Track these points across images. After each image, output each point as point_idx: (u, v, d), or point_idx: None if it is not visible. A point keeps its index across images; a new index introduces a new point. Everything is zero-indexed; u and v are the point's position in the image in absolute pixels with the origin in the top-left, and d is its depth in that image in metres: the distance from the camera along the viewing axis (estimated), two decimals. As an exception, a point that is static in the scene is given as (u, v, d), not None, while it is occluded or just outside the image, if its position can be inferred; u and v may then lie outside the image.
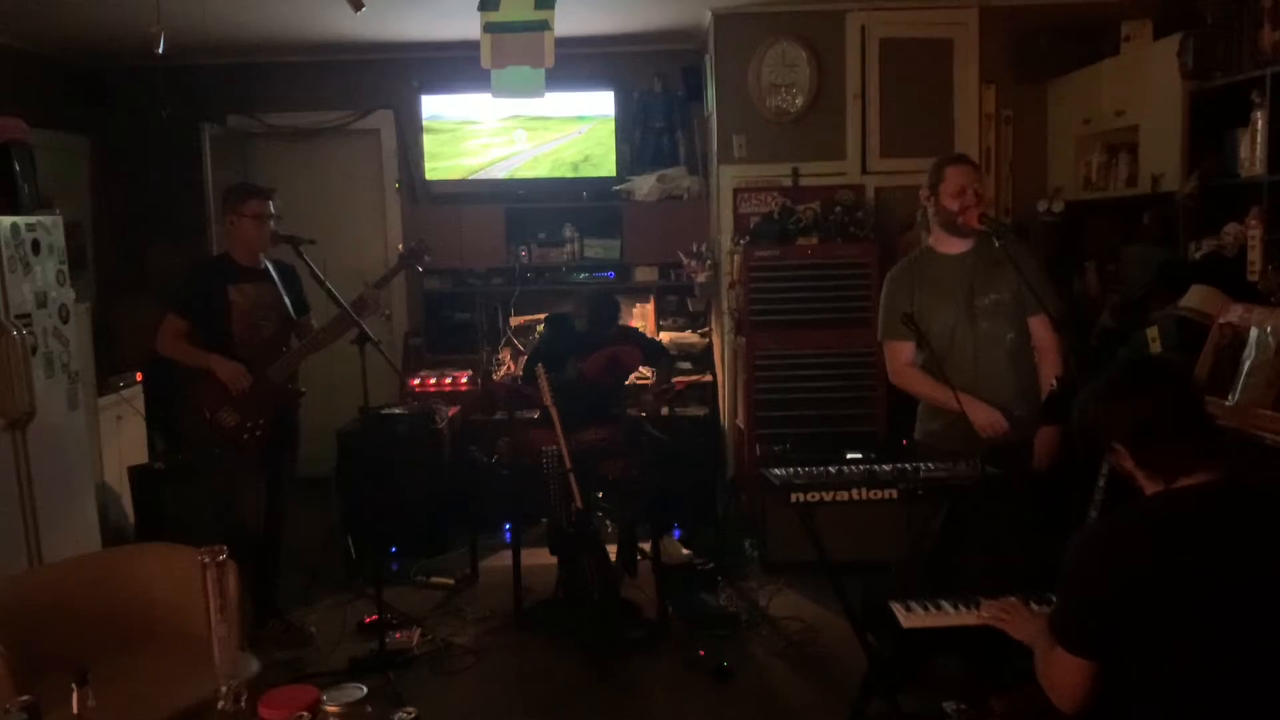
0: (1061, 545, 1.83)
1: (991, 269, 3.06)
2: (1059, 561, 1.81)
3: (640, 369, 4.78)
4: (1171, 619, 1.69)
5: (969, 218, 3.02)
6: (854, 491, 2.73)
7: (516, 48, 3.99)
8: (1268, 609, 1.69)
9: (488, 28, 3.98)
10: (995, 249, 3.07)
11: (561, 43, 4.08)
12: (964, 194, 3.01)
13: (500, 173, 5.48)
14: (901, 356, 3.14)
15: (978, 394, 2.97)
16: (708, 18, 4.87)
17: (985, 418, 2.97)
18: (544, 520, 4.00)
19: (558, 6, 3.97)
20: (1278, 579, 1.69)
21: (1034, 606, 2.21)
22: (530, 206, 5.53)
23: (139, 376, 4.87)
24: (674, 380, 5.08)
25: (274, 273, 3.73)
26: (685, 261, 5.16)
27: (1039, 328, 3.09)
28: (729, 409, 4.96)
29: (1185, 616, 1.68)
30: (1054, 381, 2.95)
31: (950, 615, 2.36)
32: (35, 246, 3.72)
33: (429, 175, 5.48)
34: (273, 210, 3.65)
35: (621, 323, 4.70)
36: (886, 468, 2.89)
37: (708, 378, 5.19)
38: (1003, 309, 3.05)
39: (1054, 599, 1.95)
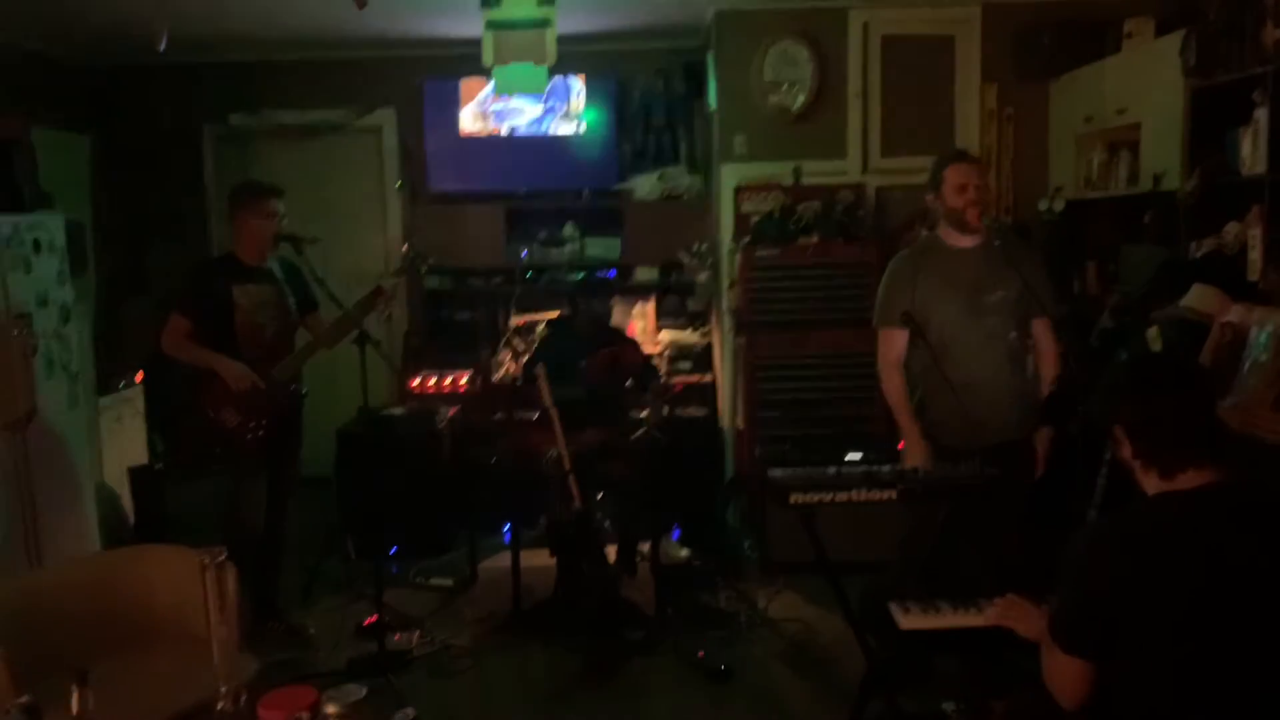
0: (1061, 545, 1.82)
1: (999, 266, 3.06)
2: (1058, 561, 1.81)
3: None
4: (1169, 620, 1.69)
5: (971, 215, 3.03)
6: (854, 492, 2.73)
7: (519, 45, 3.99)
8: (1265, 611, 1.69)
9: (490, 25, 3.98)
10: (1003, 246, 3.09)
11: (563, 40, 4.08)
12: (966, 190, 3.02)
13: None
14: (895, 347, 3.14)
15: (977, 390, 2.98)
16: (710, 15, 4.86)
17: (913, 452, 3.06)
18: (543, 521, 4.00)
19: (560, 4, 3.97)
20: (1275, 581, 1.69)
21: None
22: (530, 206, 5.53)
23: (139, 376, 4.87)
24: (673, 381, 5.08)
25: (279, 272, 3.73)
26: (685, 260, 5.16)
27: (1041, 330, 3.13)
28: (729, 409, 4.95)
29: (1183, 618, 1.69)
30: (1053, 383, 3.00)
31: (949, 616, 2.35)
32: (36, 246, 3.71)
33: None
34: (281, 209, 3.65)
35: (615, 325, 4.69)
36: (886, 468, 2.89)
37: (707, 378, 5.19)
38: (1008, 307, 3.06)
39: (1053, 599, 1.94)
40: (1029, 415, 3.05)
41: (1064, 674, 1.81)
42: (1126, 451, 1.84)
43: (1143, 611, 1.70)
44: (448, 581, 4.28)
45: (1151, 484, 1.81)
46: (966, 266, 3.07)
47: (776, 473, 2.80)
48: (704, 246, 5.14)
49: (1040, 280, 3.12)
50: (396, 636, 3.65)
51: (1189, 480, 1.76)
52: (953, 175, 3.04)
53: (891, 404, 3.17)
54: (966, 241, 3.09)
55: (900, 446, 3.27)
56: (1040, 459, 3.04)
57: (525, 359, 4.58)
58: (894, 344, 3.14)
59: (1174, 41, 3.77)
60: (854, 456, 3.26)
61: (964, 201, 3.01)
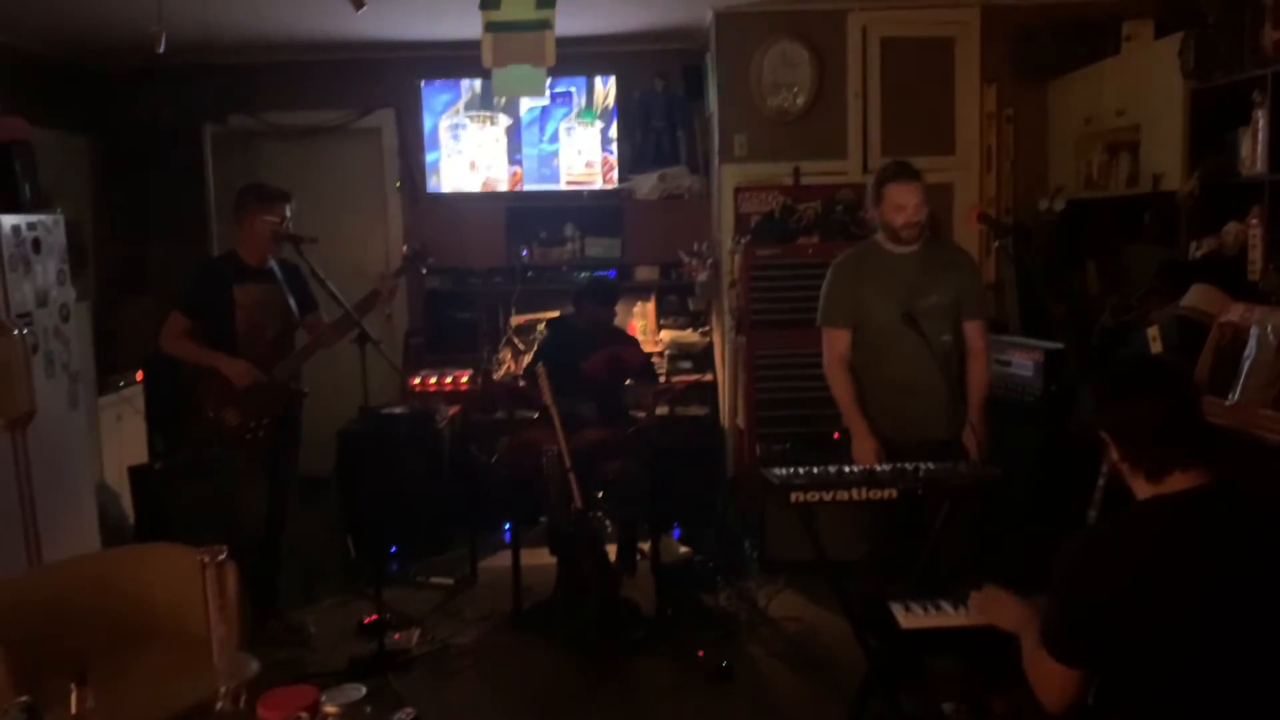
0: (1060, 547, 1.83)
1: (934, 272, 3.21)
2: (1049, 568, 1.82)
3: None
4: (1161, 626, 1.69)
5: (906, 233, 3.14)
6: (854, 491, 2.74)
7: (518, 47, 3.99)
8: (1257, 613, 1.69)
9: (489, 27, 3.97)
10: (940, 252, 3.26)
11: (562, 42, 4.08)
12: (904, 210, 3.13)
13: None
14: (838, 346, 3.27)
15: (911, 389, 3.13)
16: (709, 17, 4.87)
17: (861, 448, 3.16)
18: (543, 520, 4.00)
19: (559, 5, 3.97)
20: (1265, 583, 1.70)
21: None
22: (531, 205, 5.53)
23: (139, 376, 4.87)
24: (674, 380, 5.08)
25: (279, 272, 3.74)
26: (685, 260, 5.16)
27: (972, 332, 3.27)
28: (729, 409, 4.95)
29: (1175, 623, 1.69)
30: (981, 381, 3.23)
31: (950, 616, 2.35)
32: (36, 246, 3.72)
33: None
34: (288, 214, 3.66)
35: (616, 324, 4.69)
36: (886, 467, 2.89)
37: (708, 378, 5.19)
38: (942, 311, 3.19)
39: (1043, 604, 1.94)
40: (959, 413, 3.14)
41: (1051, 679, 1.81)
42: (1114, 455, 1.84)
43: (1135, 617, 1.70)
44: (448, 580, 4.29)
45: (1140, 488, 1.82)
46: (904, 271, 3.19)
47: (777, 472, 2.81)
48: (704, 246, 5.14)
49: (974, 286, 3.31)
50: (397, 636, 3.65)
51: (1177, 483, 1.77)
52: (892, 194, 3.15)
53: (840, 401, 3.26)
54: (904, 249, 3.21)
55: (836, 436, 3.31)
56: (974, 451, 3.07)
57: (525, 358, 4.58)
58: (838, 342, 3.27)
59: (1173, 43, 3.78)
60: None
61: (901, 220, 3.14)
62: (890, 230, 3.19)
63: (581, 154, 5.43)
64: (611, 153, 5.42)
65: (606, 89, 5.38)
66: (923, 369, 3.05)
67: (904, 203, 3.13)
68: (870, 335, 3.21)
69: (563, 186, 5.47)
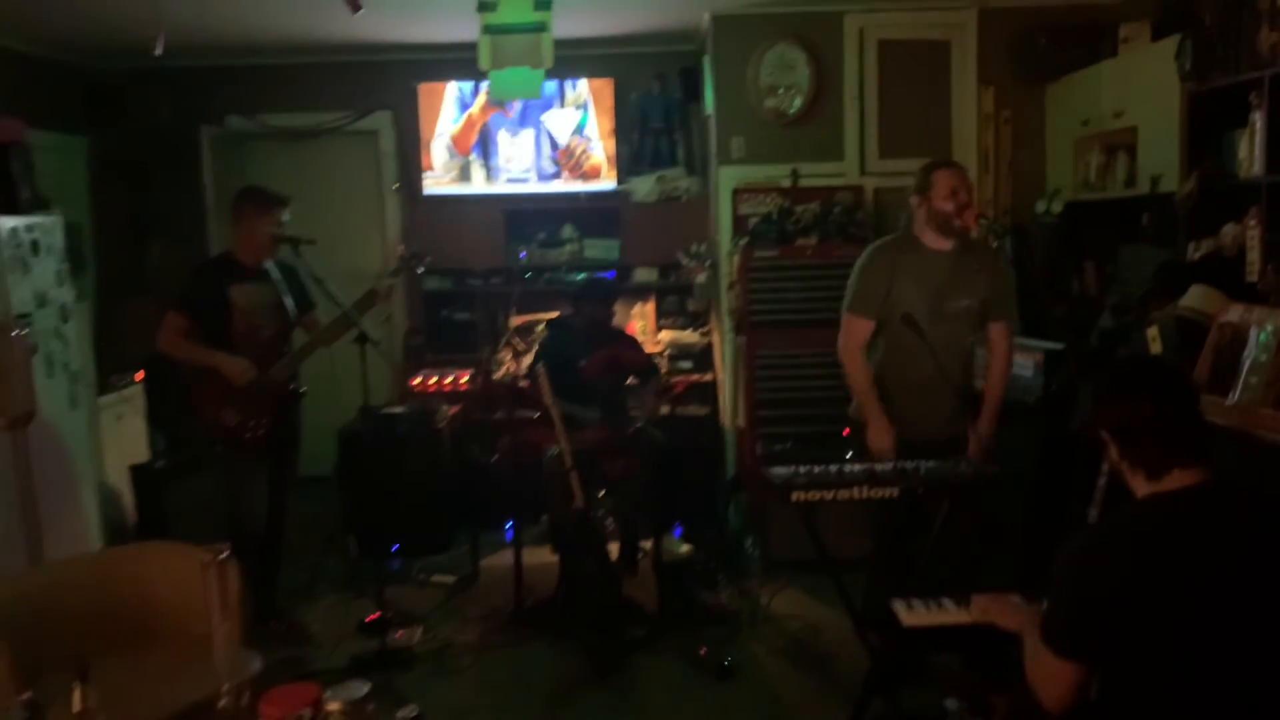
0: (1061, 545, 1.83)
1: (965, 275, 3.15)
2: (1051, 565, 1.82)
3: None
4: (1162, 623, 1.70)
5: (966, 219, 3.08)
6: (855, 490, 2.74)
7: (515, 49, 3.99)
8: (1256, 610, 1.70)
9: (486, 29, 3.98)
10: (972, 255, 3.19)
11: (560, 44, 4.08)
12: (957, 195, 3.07)
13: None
14: (860, 334, 3.21)
15: (926, 390, 3.08)
16: (706, 19, 4.87)
17: (879, 441, 3.12)
18: (545, 519, 4.00)
19: (557, 8, 3.97)
20: (1264, 580, 1.71)
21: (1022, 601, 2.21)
22: (530, 207, 5.54)
23: (139, 376, 4.87)
24: (674, 380, 5.09)
25: (277, 272, 3.74)
26: (683, 262, 5.17)
27: (996, 333, 3.25)
28: (730, 408, 4.96)
29: (1175, 620, 1.69)
30: (998, 380, 3.23)
31: (952, 613, 2.36)
32: (35, 247, 3.72)
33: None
34: (286, 218, 3.67)
35: (617, 324, 4.70)
36: (887, 466, 2.90)
37: (708, 378, 5.20)
38: (968, 316, 3.17)
39: (1044, 602, 1.95)
40: (964, 413, 3.12)
41: (1053, 677, 1.81)
42: (1114, 454, 1.86)
43: (1136, 614, 1.70)
44: (450, 579, 4.28)
45: (1140, 486, 1.83)
46: (938, 271, 3.13)
47: (778, 471, 2.81)
48: (702, 247, 5.15)
49: (1005, 289, 3.26)
50: (399, 634, 3.65)
51: (1176, 481, 1.78)
52: (943, 180, 3.08)
53: (857, 386, 3.22)
54: (945, 245, 3.15)
55: (845, 433, 3.30)
56: (974, 449, 3.06)
57: (525, 359, 4.57)
58: (859, 331, 3.22)
59: (1170, 45, 3.79)
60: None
61: (955, 205, 3.07)
62: (942, 219, 3.08)
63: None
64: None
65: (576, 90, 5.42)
66: (938, 371, 3.03)
67: (956, 187, 3.06)
68: (896, 332, 3.13)
69: (559, 187, 5.46)
